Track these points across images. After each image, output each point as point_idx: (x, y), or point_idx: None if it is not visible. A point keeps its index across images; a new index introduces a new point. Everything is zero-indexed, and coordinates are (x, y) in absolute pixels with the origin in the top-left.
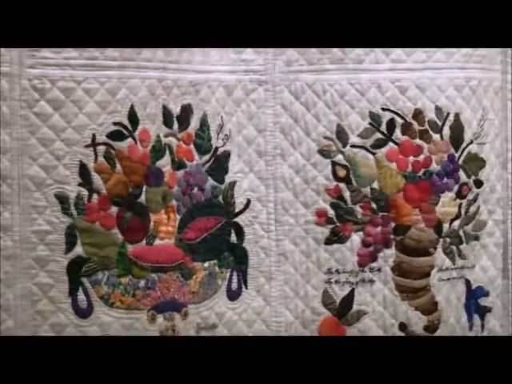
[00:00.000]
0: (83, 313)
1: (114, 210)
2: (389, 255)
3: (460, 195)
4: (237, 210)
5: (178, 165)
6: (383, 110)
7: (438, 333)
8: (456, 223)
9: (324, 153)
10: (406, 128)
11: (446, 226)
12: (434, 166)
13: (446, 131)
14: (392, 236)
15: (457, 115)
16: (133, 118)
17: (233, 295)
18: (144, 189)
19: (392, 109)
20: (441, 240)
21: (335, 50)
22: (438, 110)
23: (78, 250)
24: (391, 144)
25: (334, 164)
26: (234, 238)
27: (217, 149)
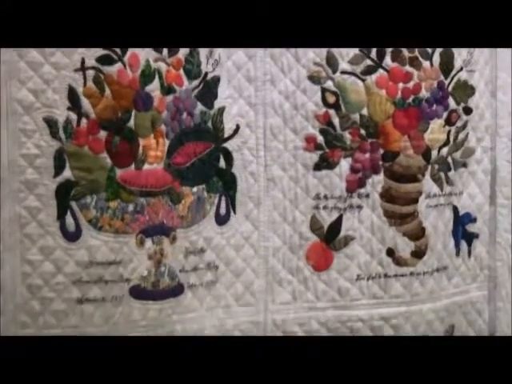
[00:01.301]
0: (71, 236)
1: (102, 134)
2: (377, 181)
3: (449, 122)
4: (226, 136)
5: (167, 90)
6: None
7: (425, 259)
8: (444, 150)
9: (314, 79)
10: (396, 55)
11: (434, 153)
12: (424, 93)
13: (436, 58)
14: (380, 162)
15: None
16: None
17: (221, 220)
18: (133, 113)
19: None
20: (429, 166)
21: None
22: None
23: (67, 173)
24: (381, 71)
25: (323, 90)
26: (222, 163)
27: (206, 74)
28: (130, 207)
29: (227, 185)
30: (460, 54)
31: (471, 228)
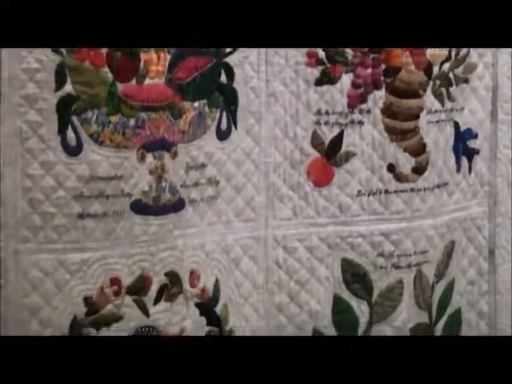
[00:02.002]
0: (72, 151)
1: (103, 48)
2: (378, 97)
3: None
4: (227, 50)
5: None
6: None
7: (426, 175)
8: (446, 65)
9: None
10: None
11: (436, 69)
12: None
13: None
14: (382, 78)
15: None
16: None
17: (222, 135)
18: None
19: None
20: (430, 82)
21: None
22: None
23: (68, 88)
24: None
25: None
26: (223, 78)
27: None
28: (131, 122)
29: (228, 100)
30: None
31: (472, 144)
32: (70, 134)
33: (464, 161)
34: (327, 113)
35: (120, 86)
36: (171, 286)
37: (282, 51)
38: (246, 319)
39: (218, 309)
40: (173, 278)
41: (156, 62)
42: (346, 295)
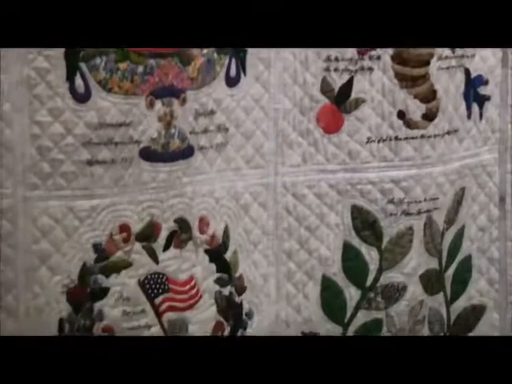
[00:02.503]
0: (81, 97)
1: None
2: None
3: None
4: None
5: None
6: None
7: (436, 121)
8: None
9: None
10: None
11: None
12: None
13: None
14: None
15: None
16: None
17: (231, 82)
18: None
19: None
20: None
21: None
22: None
23: None
24: None
25: None
26: None
27: None
28: (140, 69)
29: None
30: None
31: (483, 90)
32: (79, 80)
33: (475, 107)
34: (337, 59)
35: None
36: (180, 233)
37: None
38: (255, 266)
39: (228, 255)
40: (182, 224)
41: None
42: (355, 242)
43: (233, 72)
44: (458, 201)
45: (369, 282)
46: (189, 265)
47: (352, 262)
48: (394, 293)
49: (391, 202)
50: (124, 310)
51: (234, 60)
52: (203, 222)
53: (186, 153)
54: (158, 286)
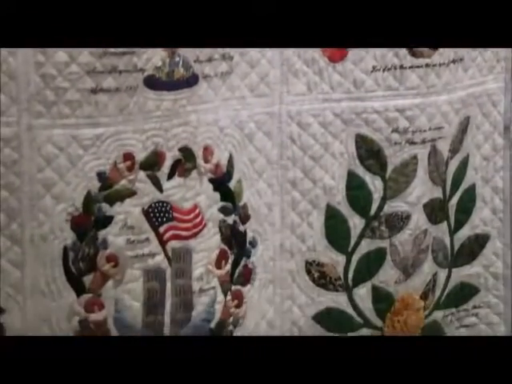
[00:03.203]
0: None
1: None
2: None
3: None
4: None
5: None
6: None
7: (441, 50)
8: None
9: None
10: None
11: None
12: None
13: None
14: None
15: None
16: None
17: None
18: None
19: None
20: None
21: None
22: None
23: None
24: None
25: None
26: None
27: None
28: None
29: None
30: None
31: None
32: None
33: None
34: None
35: None
36: (185, 162)
37: None
38: (259, 194)
39: (232, 184)
40: (186, 153)
41: None
42: (360, 171)
43: None
44: (463, 130)
45: (373, 211)
46: (193, 193)
47: (356, 190)
48: (397, 222)
49: (396, 130)
50: (128, 239)
51: None
52: (208, 151)
53: (191, 81)
54: (162, 214)
